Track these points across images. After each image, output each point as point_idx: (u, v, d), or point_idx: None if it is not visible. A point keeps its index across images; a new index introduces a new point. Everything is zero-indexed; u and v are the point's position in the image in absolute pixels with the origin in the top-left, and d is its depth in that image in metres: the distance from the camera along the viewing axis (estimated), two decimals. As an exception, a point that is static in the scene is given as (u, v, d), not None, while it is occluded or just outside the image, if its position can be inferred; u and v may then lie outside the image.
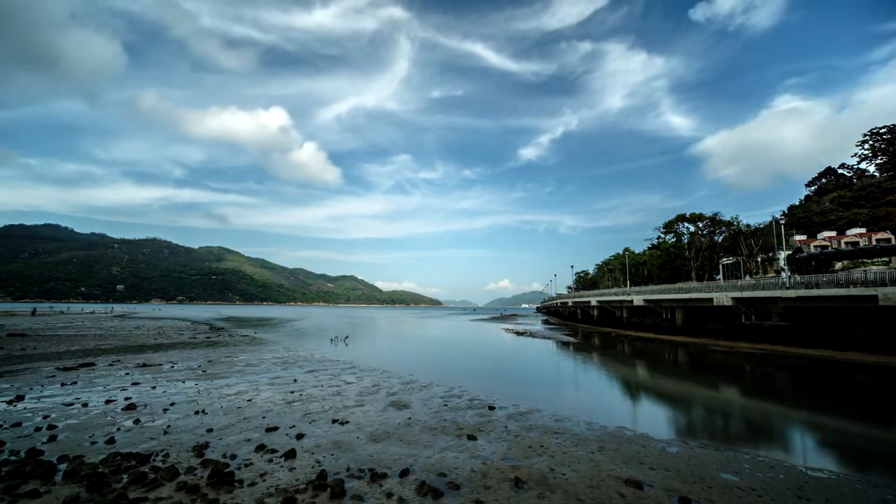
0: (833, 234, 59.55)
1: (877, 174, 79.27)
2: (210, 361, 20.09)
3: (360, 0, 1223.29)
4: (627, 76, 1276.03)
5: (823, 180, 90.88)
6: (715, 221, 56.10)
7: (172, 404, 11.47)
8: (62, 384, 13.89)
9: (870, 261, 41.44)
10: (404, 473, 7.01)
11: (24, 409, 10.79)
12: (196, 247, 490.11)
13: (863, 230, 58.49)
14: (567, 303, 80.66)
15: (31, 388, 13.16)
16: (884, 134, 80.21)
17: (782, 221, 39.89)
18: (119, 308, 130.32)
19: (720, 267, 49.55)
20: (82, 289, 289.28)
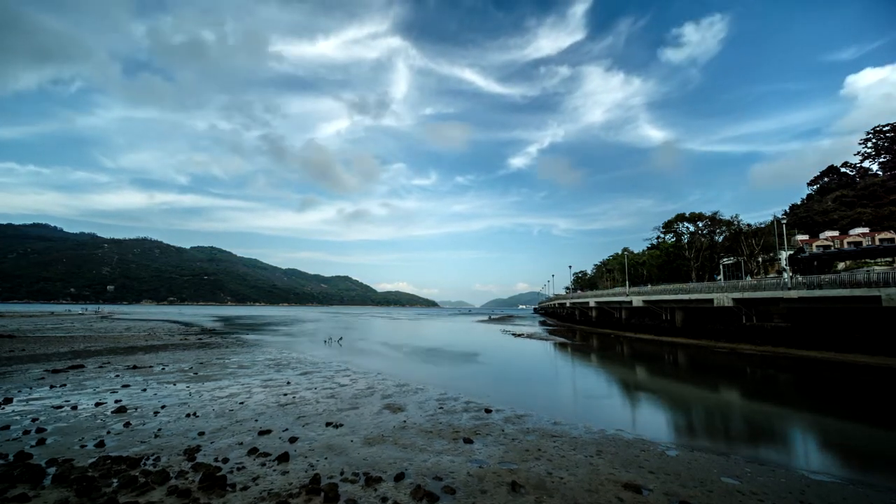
0: (835, 233, 59.22)
1: (880, 173, 78.88)
2: (201, 363, 19.96)
3: (360, 32, 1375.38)
4: (607, 95, 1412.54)
5: (826, 179, 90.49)
6: (715, 221, 55.89)
7: (163, 407, 11.36)
8: (51, 386, 13.77)
9: (873, 261, 41.14)
10: (399, 477, 6.91)
11: (13, 411, 10.70)
12: (187, 247, 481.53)
13: (866, 230, 58.20)
14: (565, 304, 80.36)
15: (19, 391, 13.07)
16: (887, 132, 79.80)
17: (784, 221, 39.69)
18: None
19: (721, 267, 49.39)
20: (72, 289, 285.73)
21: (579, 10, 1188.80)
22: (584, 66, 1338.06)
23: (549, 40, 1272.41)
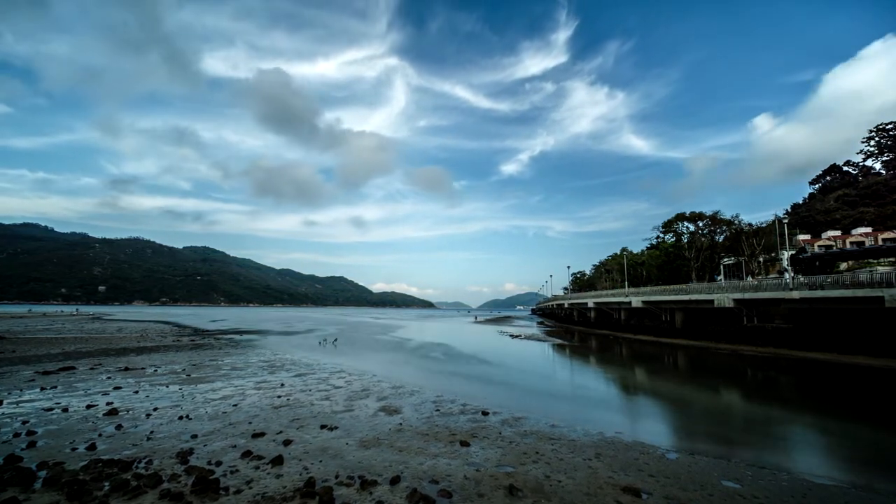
0: (838, 233, 58.91)
1: (883, 171, 78.47)
2: (194, 365, 19.73)
3: (358, 54, 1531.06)
4: (593, 108, 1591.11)
5: (828, 178, 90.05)
6: (715, 220, 55.59)
7: (155, 409, 11.21)
8: (42, 388, 13.61)
9: (876, 261, 40.90)
10: (395, 481, 6.83)
11: (3, 414, 10.57)
12: (180, 247, 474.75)
13: (868, 229, 57.83)
14: (563, 304, 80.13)
15: (9, 393, 12.91)
16: (890, 130, 79.34)
17: (785, 220, 39.50)
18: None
19: (721, 267, 49.22)
20: (63, 290, 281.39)
21: (562, 36, 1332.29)
22: (569, 83, 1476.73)
23: (536, 61, 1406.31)
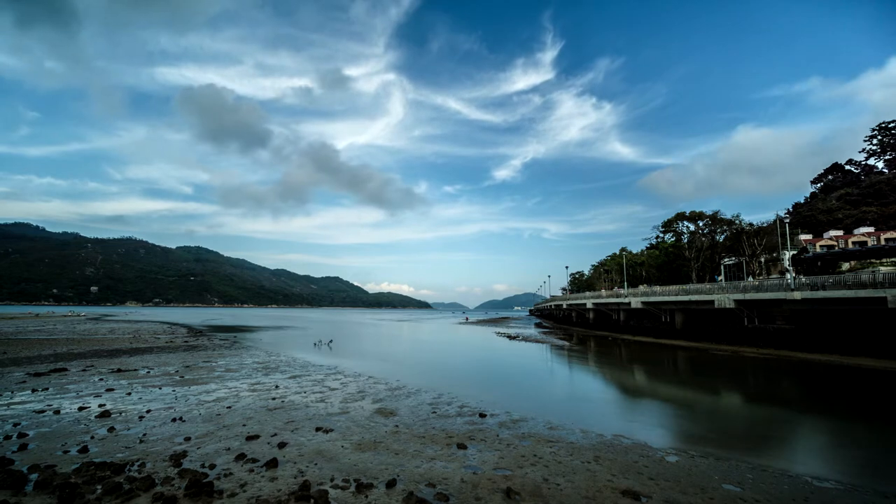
0: (840, 233, 58.55)
1: (886, 170, 78.11)
2: (188, 366, 19.65)
3: (356, 71, 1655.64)
4: (581, 118, 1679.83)
5: (830, 177, 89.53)
6: (716, 220, 55.30)
7: (148, 411, 11.15)
8: (33, 390, 13.56)
9: (878, 261, 40.61)
10: (391, 484, 6.74)
11: (-6, 416, 10.52)
12: (173, 247, 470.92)
13: (871, 229, 57.47)
14: (561, 305, 79.87)
15: (0, 395, 12.88)
16: (893, 129, 79.03)
17: (787, 220, 39.15)
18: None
19: (722, 268, 48.94)
20: (54, 290, 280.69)
21: (549, 55, 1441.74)
22: (557, 96, 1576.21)
23: (526, 77, 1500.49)
